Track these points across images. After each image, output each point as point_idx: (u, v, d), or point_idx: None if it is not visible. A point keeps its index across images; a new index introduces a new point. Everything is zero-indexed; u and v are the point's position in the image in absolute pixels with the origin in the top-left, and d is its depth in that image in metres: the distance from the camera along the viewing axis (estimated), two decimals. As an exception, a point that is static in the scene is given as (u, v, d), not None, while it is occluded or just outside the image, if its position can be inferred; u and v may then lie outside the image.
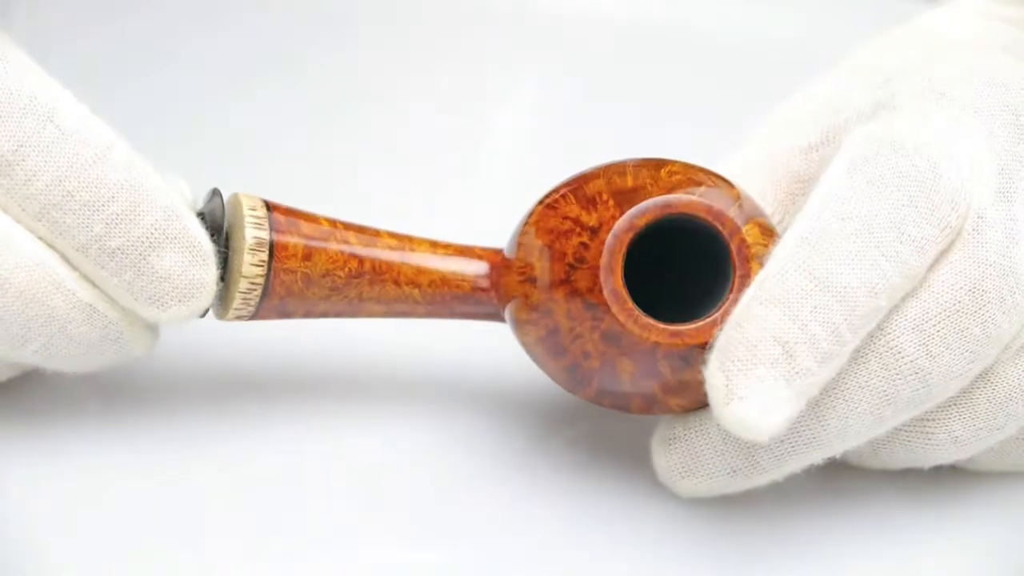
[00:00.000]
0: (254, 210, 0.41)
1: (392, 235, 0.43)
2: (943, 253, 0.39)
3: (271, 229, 0.41)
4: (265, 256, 0.41)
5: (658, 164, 0.41)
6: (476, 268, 0.43)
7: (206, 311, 0.41)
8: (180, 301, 0.40)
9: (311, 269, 0.42)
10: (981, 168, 0.40)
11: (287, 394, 0.47)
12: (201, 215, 0.42)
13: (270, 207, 0.42)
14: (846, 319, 0.37)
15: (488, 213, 0.45)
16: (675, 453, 0.41)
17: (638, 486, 0.43)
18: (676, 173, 0.41)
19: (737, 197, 0.41)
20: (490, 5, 0.67)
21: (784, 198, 0.44)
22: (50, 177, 0.40)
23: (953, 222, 0.39)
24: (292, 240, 0.42)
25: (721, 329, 0.38)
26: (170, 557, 0.41)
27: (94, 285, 0.41)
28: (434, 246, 0.43)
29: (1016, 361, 0.40)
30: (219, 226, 0.42)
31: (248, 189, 0.43)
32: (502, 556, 0.42)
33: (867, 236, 0.38)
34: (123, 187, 0.40)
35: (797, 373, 0.37)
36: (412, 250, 0.43)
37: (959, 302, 0.39)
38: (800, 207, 0.42)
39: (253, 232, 0.41)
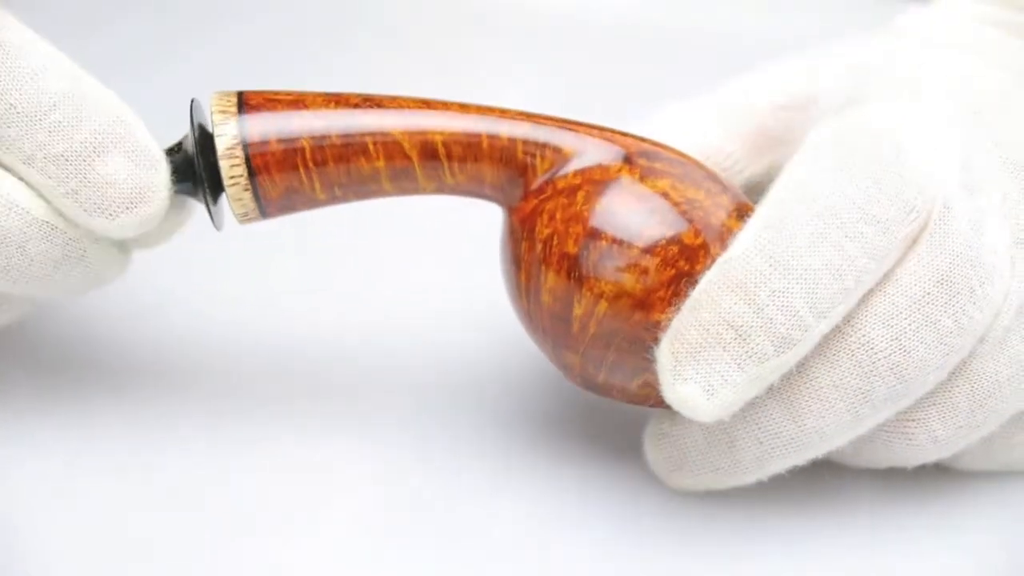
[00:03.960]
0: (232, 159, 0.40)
1: (393, 182, 0.41)
2: (912, 244, 0.39)
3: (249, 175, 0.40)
4: (245, 179, 0.40)
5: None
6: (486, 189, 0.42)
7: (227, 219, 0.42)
8: (128, 208, 0.40)
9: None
10: (946, 159, 0.40)
11: (281, 388, 0.47)
12: (172, 150, 0.41)
13: (243, 103, 0.41)
14: (808, 302, 0.38)
15: (485, 213, 0.45)
16: (664, 449, 0.42)
17: (627, 480, 0.44)
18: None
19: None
20: (486, 6, 0.67)
21: (750, 150, 0.44)
22: None
23: (920, 206, 0.39)
24: (277, 213, 0.41)
25: (677, 311, 0.38)
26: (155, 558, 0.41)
27: (48, 202, 0.41)
28: (441, 188, 0.42)
29: (993, 356, 0.40)
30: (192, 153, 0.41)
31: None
32: (496, 548, 0.42)
33: (830, 217, 0.38)
34: (65, 96, 0.40)
35: (750, 357, 0.37)
36: (416, 192, 0.42)
37: (928, 294, 0.39)
38: (764, 167, 0.43)
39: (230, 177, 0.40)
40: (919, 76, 0.43)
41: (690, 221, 0.40)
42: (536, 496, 0.43)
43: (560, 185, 0.40)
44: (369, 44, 0.66)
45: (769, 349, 0.38)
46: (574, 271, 0.40)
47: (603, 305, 0.40)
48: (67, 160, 0.40)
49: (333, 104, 0.40)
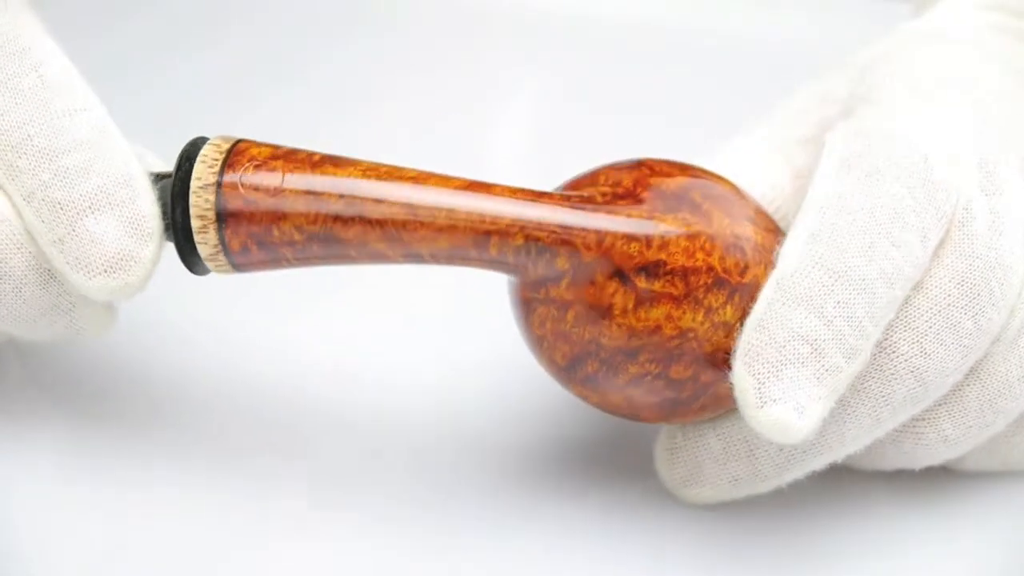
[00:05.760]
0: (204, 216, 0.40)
1: (372, 261, 0.40)
2: (937, 247, 0.39)
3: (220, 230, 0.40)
4: (216, 244, 0.40)
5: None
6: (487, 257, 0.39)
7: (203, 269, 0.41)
8: (106, 271, 0.40)
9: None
10: (965, 161, 0.41)
11: (282, 385, 0.47)
12: (158, 175, 0.41)
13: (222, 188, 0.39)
14: (868, 311, 0.37)
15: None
16: (678, 463, 0.42)
17: (638, 491, 0.43)
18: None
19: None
20: (490, 6, 0.67)
21: (791, 194, 0.43)
22: (16, 117, 0.40)
23: (948, 210, 0.39)
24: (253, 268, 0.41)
25: (740, 333, 0.38)
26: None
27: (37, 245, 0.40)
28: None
29: (1005, 356, 0.40)
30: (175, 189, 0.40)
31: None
32: (505, 560, 0.42)
33: (876, 228, 0.38)
34: (82, 144, 0.40)
35: (827, 371, 0.37)
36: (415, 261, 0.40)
37: (949, 296, 0.39)
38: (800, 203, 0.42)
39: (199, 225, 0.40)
40: (928, 75, 0.43)
41: (680, 356, 0.39)
42: (545, 523, 0.43)
43: (552, 293, 0.39)
44: (369, 46, 0.66)
45: (841, 361, 0.37)
46: (562, 377, 0.40)
47: (593, 401, 0.40)
48: (62, 208, 0.40)
49: (313, 216, 0.39)
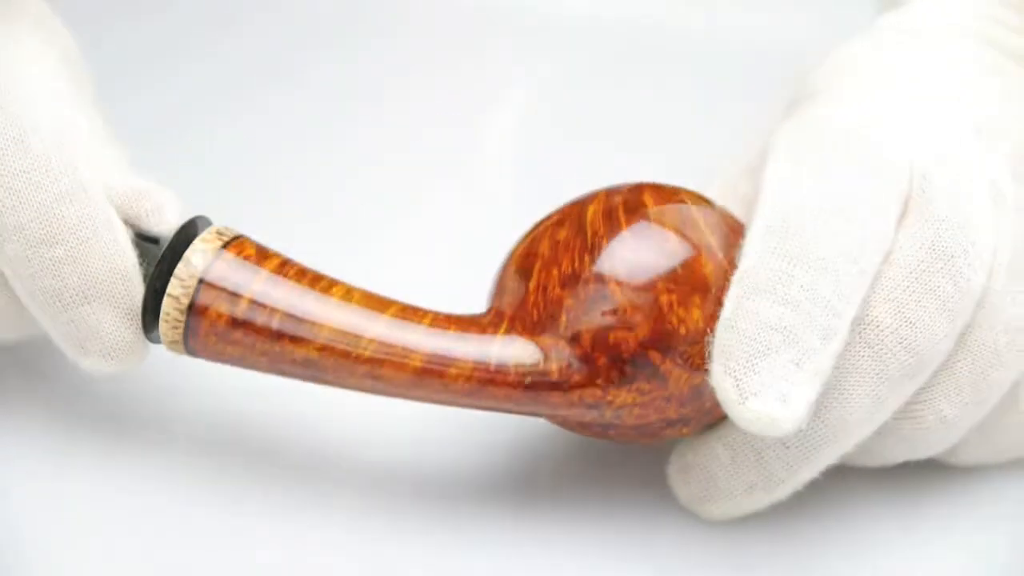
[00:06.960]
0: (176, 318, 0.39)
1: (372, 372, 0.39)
2: (900, 220, 0.39)
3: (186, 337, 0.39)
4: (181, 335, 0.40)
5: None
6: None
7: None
8: (102, 356, 0.40)
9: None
10: (913, 135, 0.41)
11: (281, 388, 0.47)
12: (146, 238, 0.40)
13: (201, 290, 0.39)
14: (834, 290, 0.37)
15: (484, 219, 0.44)
16: (692, 481, 0.41)
17: (645, 499, 0.43)
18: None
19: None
20: (485, 7, 0.67)
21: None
22: (4, 204, 0.39)
23: (904, 183, 0.39)
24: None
25: (712, 335, 0.38)
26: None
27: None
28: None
29: (991, 324, 0.40)
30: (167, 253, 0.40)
31: (242, 191, 0.41)
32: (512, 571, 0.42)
33: (828, 208, 0.38)
34: (74, 232, 0.39)
35: (804, 354, 0.37)
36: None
37: (922, 262, 0.38)
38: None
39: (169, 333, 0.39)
40: (868, 64, 0.44)
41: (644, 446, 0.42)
42: (552, 541, 0.42)
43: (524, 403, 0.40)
44: (366, 48, 0.66)
45: (816, 342, 0.37)
46: None
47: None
48: (56, 295, 0.39)
49: (276, 374, 0.39)
